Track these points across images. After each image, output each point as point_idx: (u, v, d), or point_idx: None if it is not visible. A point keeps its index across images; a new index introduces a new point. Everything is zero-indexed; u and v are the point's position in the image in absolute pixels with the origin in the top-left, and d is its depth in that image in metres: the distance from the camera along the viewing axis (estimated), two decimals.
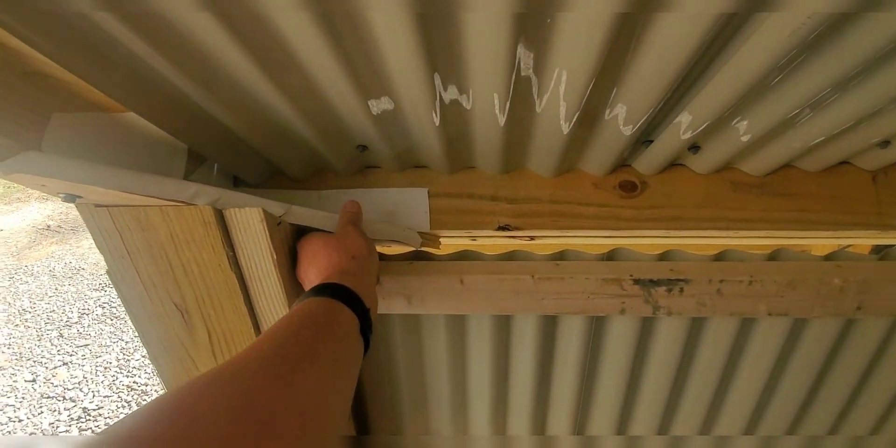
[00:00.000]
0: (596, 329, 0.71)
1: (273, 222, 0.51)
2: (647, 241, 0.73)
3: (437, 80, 0.47)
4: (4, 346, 2.77)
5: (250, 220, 0.50)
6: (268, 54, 0.42)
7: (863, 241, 0.75)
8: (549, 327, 0.71)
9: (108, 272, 0.51)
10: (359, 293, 0.46)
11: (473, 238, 0.71)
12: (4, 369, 2.63)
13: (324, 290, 0.45)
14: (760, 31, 0.39)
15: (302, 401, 0.32)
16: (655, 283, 0.63)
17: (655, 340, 0.72)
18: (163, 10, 0.36)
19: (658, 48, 0.42)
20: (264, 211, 0.49)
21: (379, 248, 0.69)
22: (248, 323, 0.54)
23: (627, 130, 0.57)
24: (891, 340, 0.73)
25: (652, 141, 0.60)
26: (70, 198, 0.43)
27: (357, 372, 0.43)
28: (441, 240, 0.70)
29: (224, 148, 0.58)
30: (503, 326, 0.71)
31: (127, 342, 2.81)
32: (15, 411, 2.39)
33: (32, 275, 3.34)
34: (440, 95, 0.50)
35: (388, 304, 0.65)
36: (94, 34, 0.38)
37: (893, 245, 0.67)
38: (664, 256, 0.66)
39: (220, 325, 0.54)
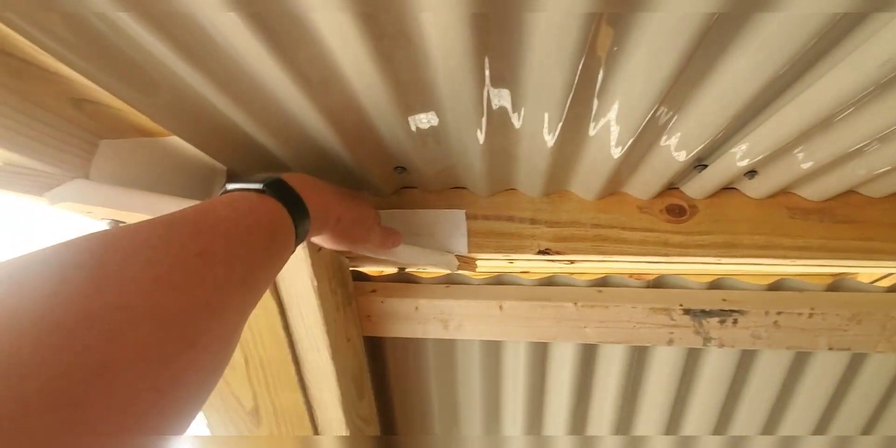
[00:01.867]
0: (638, 358, 0.68)
1: (314, 248, 0.49)
2: (696, 268, 0.69)
3: (487, 92, 0.44)
4: None
5: None
6: (309, 71, 0.40)
7: None
8: (588, 355, 0.68)
9: None
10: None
11: (511, 261, 0.68)
12: None
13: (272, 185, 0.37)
14: (844, 63, 0.36)
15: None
16: (707, 313, 0.60)
17: (702, 371, 0.69)
18: (209, 31, 0.35)
19: (738, 67, 0.38)
20: None
21: (414, 271, 0.68)
22: (285, 349, 0.53)
23: (680, 156, 0.54)
24: None
25: (706, 165, 0.57)
26: (115, 224, 0.43)
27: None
28: (478, 263, 0.68)
29: (262, 170, 0.57)
30: (540, 353, 0.69)
31: None
32: None
33: None
34: (487, 110, 0.48)
35: (424, 328, 0.63)
36: (138, 55, 0.37)
37: None
38: (715, 285, 0.63)
39: (257, 351, 0.53)
